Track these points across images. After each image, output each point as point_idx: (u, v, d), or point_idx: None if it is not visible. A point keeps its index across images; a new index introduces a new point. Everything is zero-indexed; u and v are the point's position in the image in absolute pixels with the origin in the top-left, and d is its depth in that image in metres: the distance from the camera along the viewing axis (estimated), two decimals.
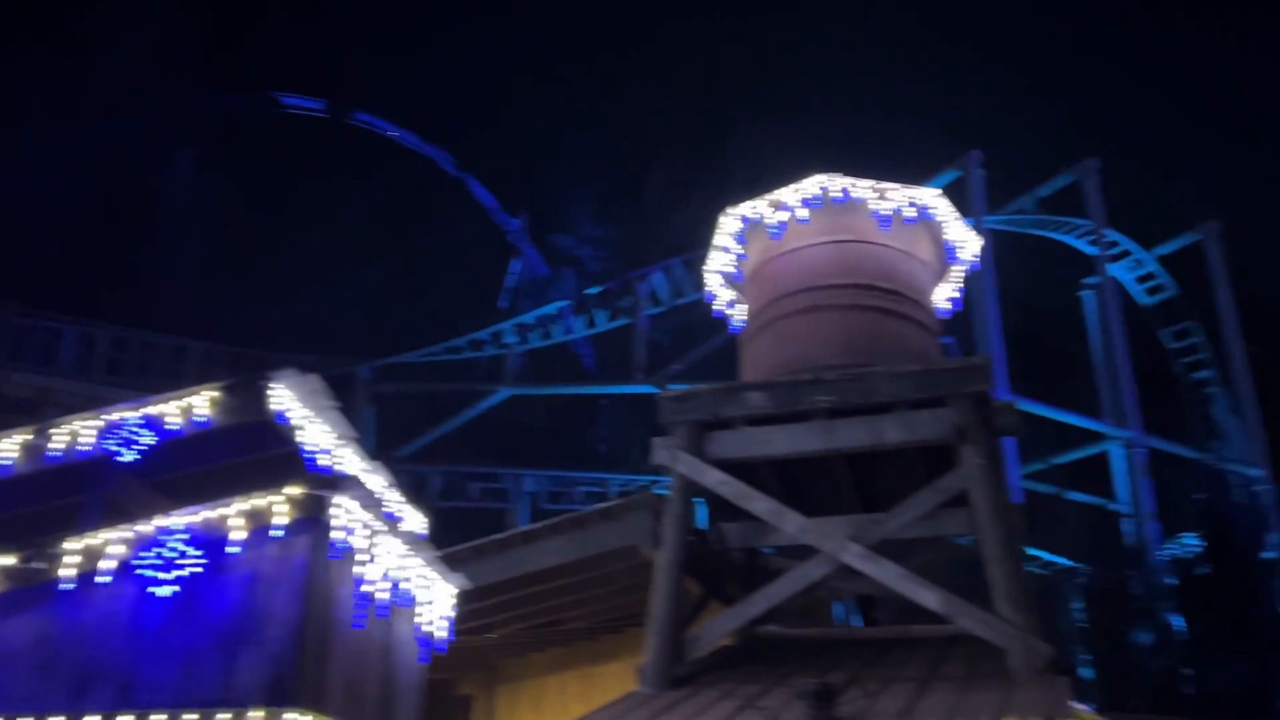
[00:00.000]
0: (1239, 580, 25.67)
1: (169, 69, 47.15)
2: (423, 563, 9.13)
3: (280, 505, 7.66)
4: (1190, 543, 28.28)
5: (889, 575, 10.28)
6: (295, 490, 7.70)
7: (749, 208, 13.25)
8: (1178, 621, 25.73)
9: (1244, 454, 30.54)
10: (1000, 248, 30.96)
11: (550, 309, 35.50)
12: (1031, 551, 26.84)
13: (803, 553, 11.59)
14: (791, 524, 11.00)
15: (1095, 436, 30.05)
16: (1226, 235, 33.43)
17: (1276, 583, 26.51)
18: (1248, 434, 30.96)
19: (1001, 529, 10.11)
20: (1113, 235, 32.62)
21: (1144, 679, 24.88)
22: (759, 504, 11.12)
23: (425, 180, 50.88)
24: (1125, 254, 33.88)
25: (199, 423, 8.76)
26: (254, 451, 9.32)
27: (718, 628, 11.00)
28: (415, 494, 27.65)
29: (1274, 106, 66.51)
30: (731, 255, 13.76)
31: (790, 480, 12.54)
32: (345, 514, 7.83)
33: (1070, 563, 28.23)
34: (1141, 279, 34.60)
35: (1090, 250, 32.40)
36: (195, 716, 7.03)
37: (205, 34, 49.17)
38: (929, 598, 9.97)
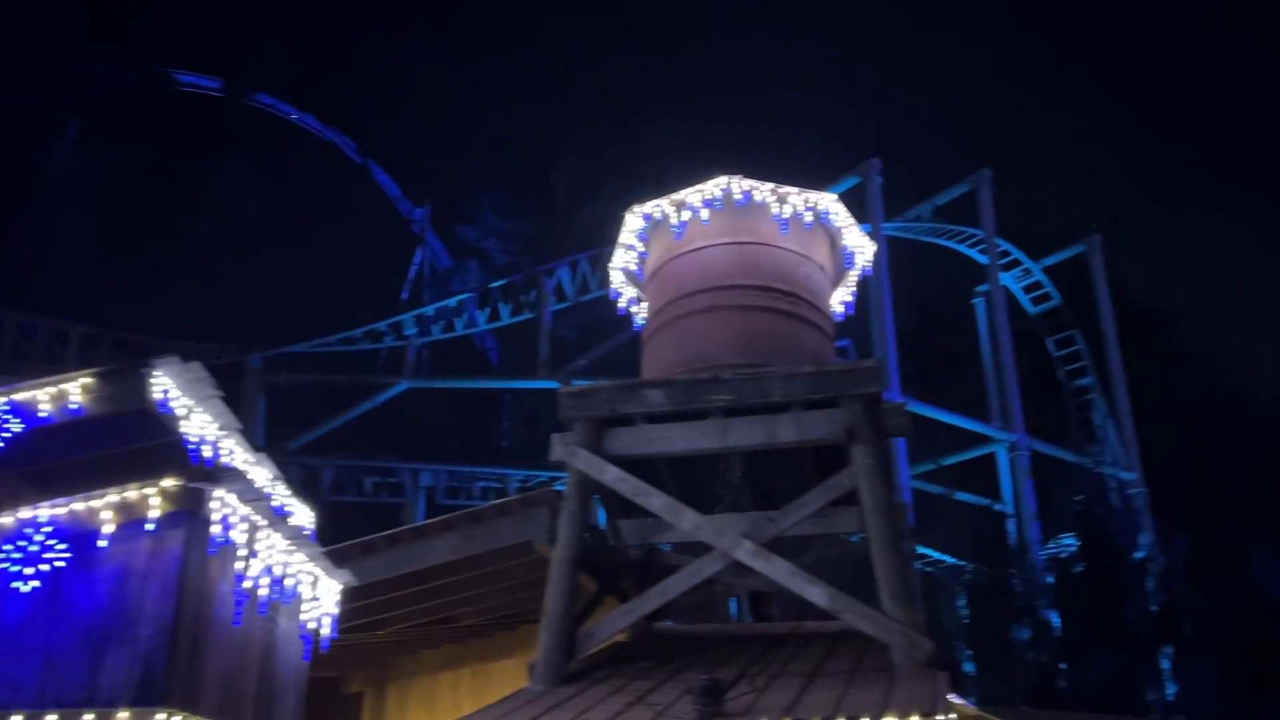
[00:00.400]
0: (1112, 579, 26.92)
1: (55, 39, 44.89)
2: (307, 558, 8.88)
3: (155, 498, 7.35)
4: (1068, 543, 29.58)
5: (779, 572, 10.45)
6: (171, 482, 7.40)
7: (653, 207, 13.29)
8: (1055, 618, 26.86)
9: (1119, 458, 32.07)
10: (898, 254, 31.85)
11: (452, 301, 35.06)
12: (920, 549, 27.68)
13: (698, 549, 11.70)
14: (687, 521, 11.08)
15: (982, 439, 31.15)
16: (1108, 248, 35.04)
17: (1147, 581, 27.90)
18: (1123, 439, 32.52)
19: (888, 527, 10.37)
20: (1003, 245, 33.87)
21: (1022, 673, 25.90)
22: (655, 501, 11.17)
23: (326, 166, 49.64)
24: (1015, 263, 35.21)
25: (72, 410, 8.33)
26: (132, 441, 8.92)
27: (612, 624, 11.01)
28: (306, 488, 27.00)
29: (1157, 126, 69.87)
30: (635, 253, 13.79)
31: (686, 478, 12.65)
32: (225, 507, 7.55)
33: (956, 561, 29.20)
34: (1029, 288, 35.99)
35: (981, 259, 33.55)
36: (55, 717, 6.70)
37: (96, 3, 47.00)
38: (817, 594, 10.16)
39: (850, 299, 14.44)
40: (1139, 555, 27.81)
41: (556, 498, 11.70)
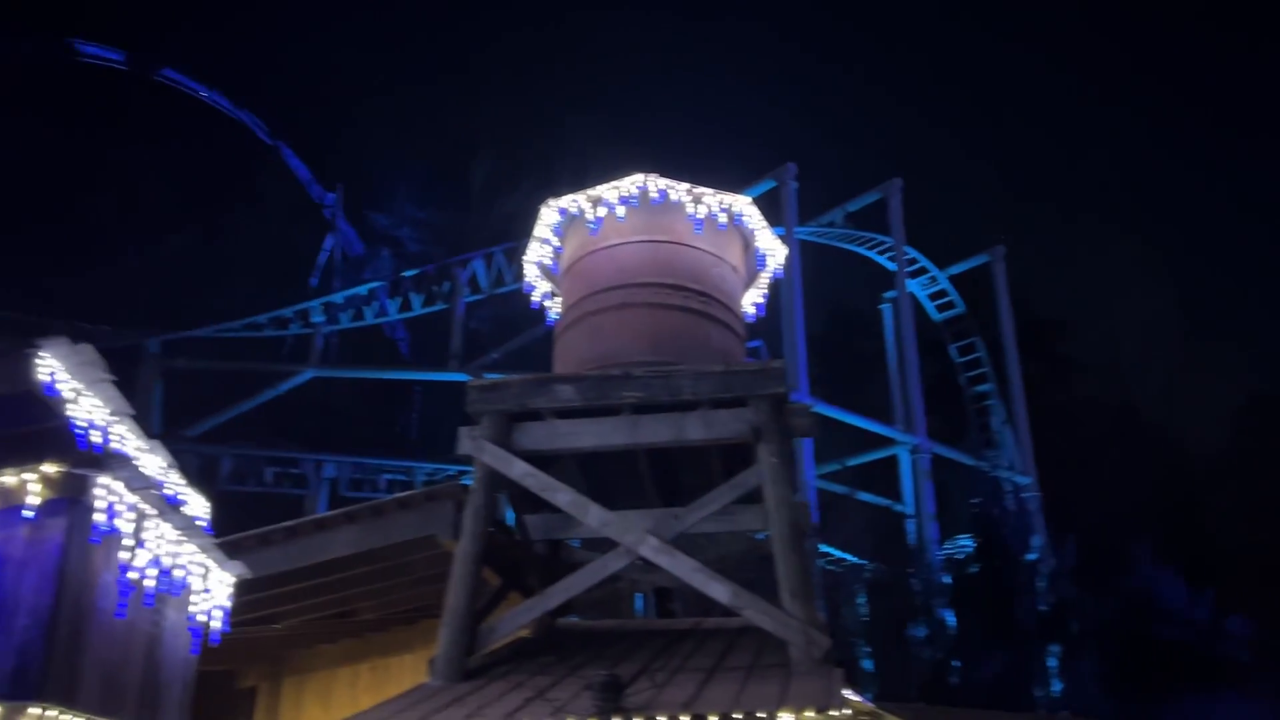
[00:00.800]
0: (1004, 579, 27.84)
1: None
2: (198, 549, 8.61)
3: (34, 483, 7.02)
4: (964, 543, 30.49)
5: (683, 568, 10.53)
6: (52, 468, 7.08)
7: (569, 201, 13.26)
8: (950, 617, 27.67)
9: (1015, 463, 33.19)
10: (810, 258, 32.40)
11: (362, 289, 34.40)
12: (823, 548, 28.22)
13: (605, 546, 11.71)
14: (594, 517, 11.08)
15: (886, 441, 31.89)
16: (1010, 258, 36.20)
17: (1037, 582, 28.93)
18: (1019, 444, 33.66)
19: (790, 525, 10.53)
20: (911, 253, 34.71)
21: (917, 670, 26.62)
22: (562, 496, 11.14)
23: (235, 147, 48.14)
24: (922, 271, 36.11)
25: None
26: (15, 425, 8.50)
27: (514, 620, 10.94)
28: (203, 477, 26.19)
29: (1063, 141, 72.53)
30: (550, 248, 13.74)
31: (595, 474, 12.64)
32: (110, 495, 7.26)
33: (858, 560, 29.85)
34: (934, 295, 36.96)
35: (890, 266, 34.34)
36: None
37: None
38: (719, 591, 10.27)
39: (762, 300, 14.63)
40: (1031, 557, 28.81)
41: (462, 491, 11.58)
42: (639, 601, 19.68)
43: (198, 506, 9.24)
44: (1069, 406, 36.32)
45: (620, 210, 12.84)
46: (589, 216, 13.01)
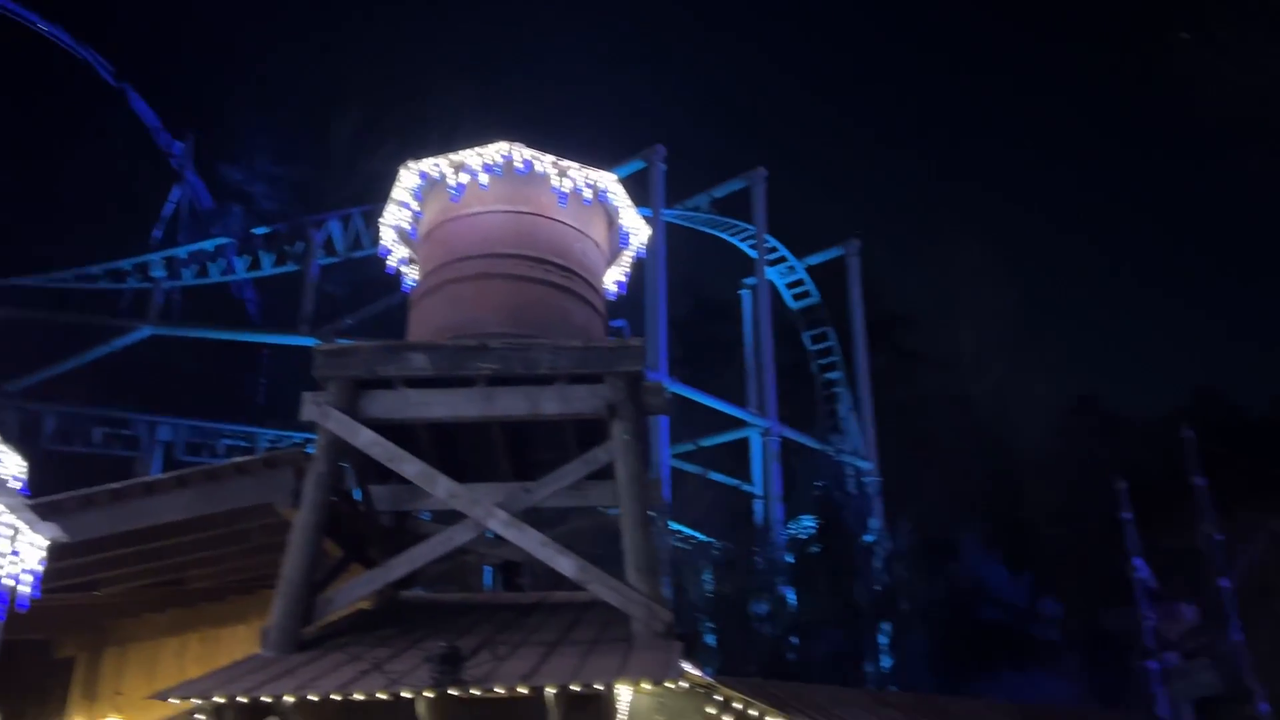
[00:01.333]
0: (843, 559, 29.00)
1: None
2: (6, 509, 8.04)
3: None
4: (807, 524, 31.58)
5: (530, 542, 10.50)
6: None
7: (431, 165, 12.94)
8: (791, 595, 28.64)
9: (859, 448, 34.52)
10: (676, 241, 32.72)
11: (209, 245, 32.74)
12: (674, 526, 28.69)
13: (457, 519, 11.57)
14: (441, 489, 10.92)
15: (738, 423, 32.62)
16: (865, 252, 37.50)
17: (873, 562, 30.26)
18: (863, 432, 35.02)
19: (640, 502, 10.65)
20: (771, 241, 35.50)
21: (758, 646, 27.46)
22: (409, 467, 10.93)
23: (76, 86, 44.86)
24: (781, 260, 36.98)
25: None
26: None
27: (354, 591, 10.69)
28: (24, 435, 24.48)
29: (921, 144, 75.53)
30: (409, 212, 13.39)
31: (447, 446, 12.45)
32: None
33: (707, 538, 30.49)
34: (792, 285, 37.93)
35: (751, 253, 35.05)
36: None
37: None
38: (566, 565, 10.30)
39: (625, 279, 14.68)
40: (868, 539, 30.09)
41: (303, 459, 11.21)
42: (488, 575, 19.56)
43: (11, 465, 8.63)
44: (911, 397, 37.92)
45: (484, 178, 12.63)
46: (451, 182, 12.74)
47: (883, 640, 28.40)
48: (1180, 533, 25.92)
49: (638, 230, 13.93)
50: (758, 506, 31.32)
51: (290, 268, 32.44)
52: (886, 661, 28.40)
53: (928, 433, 35.57)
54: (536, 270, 12.30)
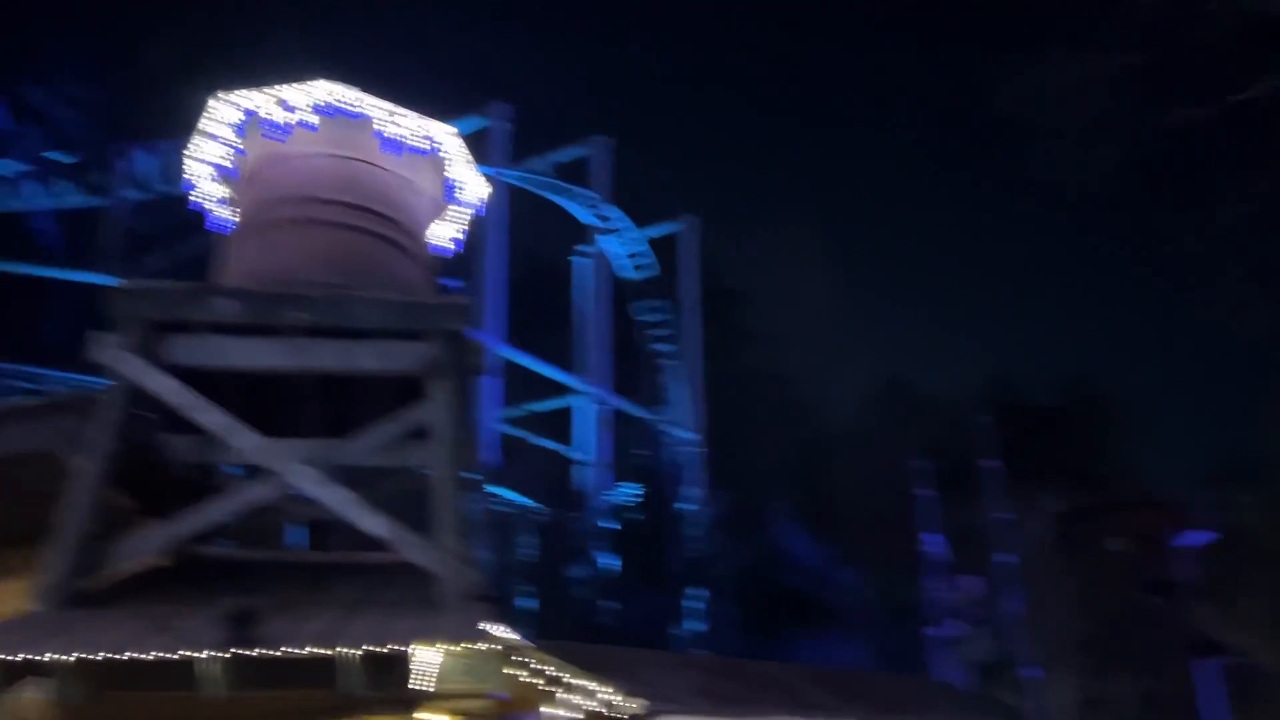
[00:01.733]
0: (661, 526, 29.67)
1: None
2: None
3: None
4: (629, 492, 32.08)
5: (337, 500, 10.18)
6: None
7: (252, 99, 12.22)
8: (611, 560, 29.10)
9: (684, 420, 35.25)
10: (516, 203, 32.27)
11: (4, 170, 29.93)
12: (497, 490, 28.54)
13: (266, 474, 11.05)
14: (245, 442, 10.42)
15: (569, 390, 32.69)
16: (703, 228, 38.15)
17: (692, 530, 31.08)
18: (690, 404, 35.77)
19: (455, 463, 10.49)
20: (611, 211, 35.56)
21: (575, 609, 27.79)
22: (210, 417, 10.37)
23: None
24: (619, 230, 37.12)
25: None
26: None
27: (141, 544, 10.08)
28: None
29: (767, 123, 77.28)
30: (225, 147, 12.62)
31: (257, 398, 11.88)
32: None
33: (530, 502, 30.49)
34: (630, 255, 38.17)
35: (591, 221, 35.03)
36: None
37: None
38: (375, 525, 10.05)
39: (459, 236, 14.35)
40: (687, 508, 30.87)
41: (90, 403, 10.45)
42: (299, 535, 18.88)
43: None
44: (737, 372, 38.98)
45: (309, 118, 12.03)
46: (274, 120, 12.08)
47: (695, 605, 29.27)
48: (970, 510, 27.83)
49: (471, 186, 13.63)
50: (582, 473, 31.54)
51: (95, 201, 30.08)
52: (697, 625, 29.30)
53: (750, 406, 36.68)
54: (360, 219, 11.85)
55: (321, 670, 8.37)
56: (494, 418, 28.16)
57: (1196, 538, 27.47)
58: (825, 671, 19.89)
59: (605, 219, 34.62)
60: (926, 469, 28.16)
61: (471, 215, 14.08)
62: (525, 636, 11.90)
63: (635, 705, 9.75)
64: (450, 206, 13.68)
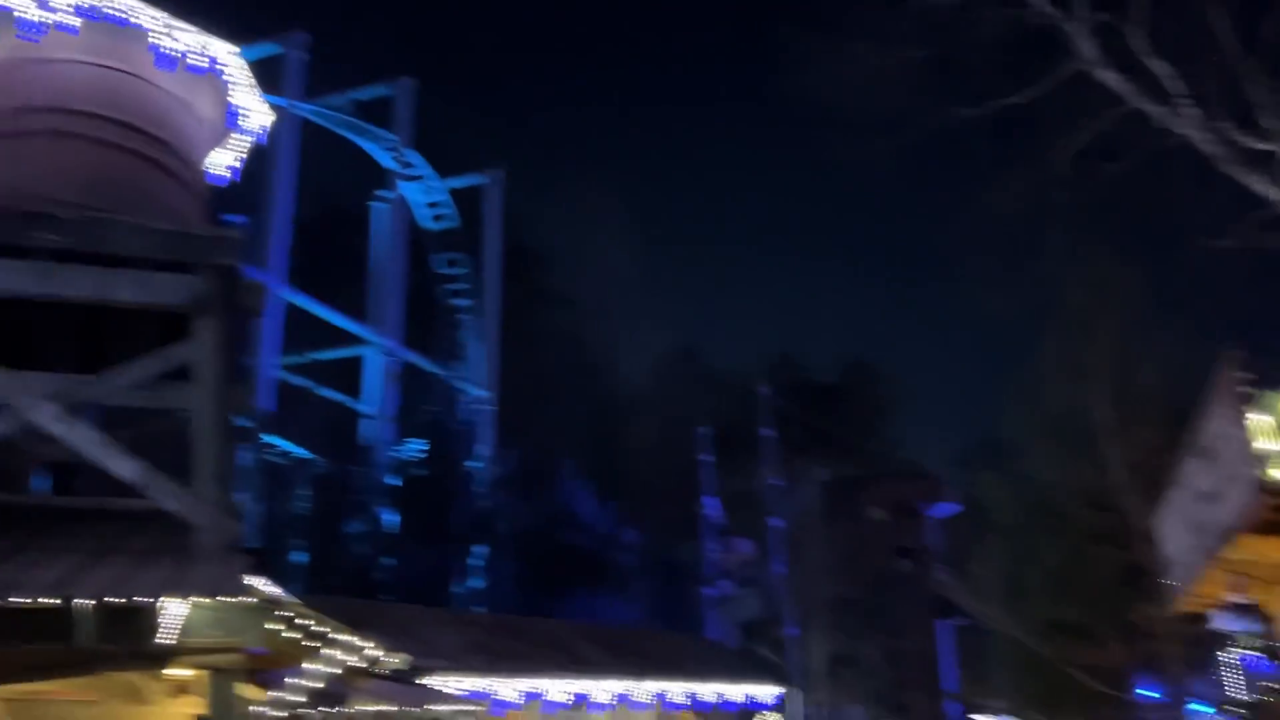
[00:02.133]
0: (446, 484, 29.28)
1: None
2: None
3: None
4: (415, 447, 31.42)
5: (83, 440, 9.36)
6: None
7: None
8: (389, 516, 28.45)
9: (477, 377, 34.83)
10: (309, 139, 30.61)
11: None
12: (273, 439, 27.25)
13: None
14: None
15: (357, 339, 31.55)
16: (508, 183, 37.59)
17: (476, 488, 30.84)
18: (485, 361, 35.36)
19: (220, 407, 9.86)
20: (413, 157, 34.41)
21: (350, 565, 27.03)
22: None
23: None
24: (420, 178, 36.00)
25: None
26: None
27: None
28: None
29: (571, 91, 76.85)
30: None
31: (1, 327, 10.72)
32: None
33: (307, 454, 29.30)
34: (430, 205, 37.12)
35: (391, 165, 33.78)
36: None
37: None
38: (125, 468, 9.32)
39: (237, 166, 13.41)
40: (474, 465, 30.59)
41: None
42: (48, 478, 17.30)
43: None
44: (534, 332, 38.84)
45: (70, 19, 10.86)
46: (27, 16, 10.83)
47: (476, 563, 29.15)
48: (747, 476, 29.10)
49: (256, 114, 12.77)
50: (366, 426, 30.60)
51: None
52: (478, 583, 29.20)
53: (545, 367, 36.70)
54: (124, 137, 10.85)
55: (56, 623, 7.71)
56: (273, 363, 26.81)
57: (945, 509, 29.97)
58: (601, 628, 20.35)
59: (406, 164, 33.47)
60: (709, 436, 29.19)
61: (253, 145, 13.21)
62: (291, 590, 11.45)
63: (399, 660, 9.57)
64: (232, 134, 12.77)
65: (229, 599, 7.91)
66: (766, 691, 19.31)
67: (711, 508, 28.48)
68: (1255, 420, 3.66)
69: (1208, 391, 4.35)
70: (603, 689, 15.37)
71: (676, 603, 29.63)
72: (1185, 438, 5.10)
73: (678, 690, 16.85)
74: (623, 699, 16.01)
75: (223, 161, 13.07)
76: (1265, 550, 4.60)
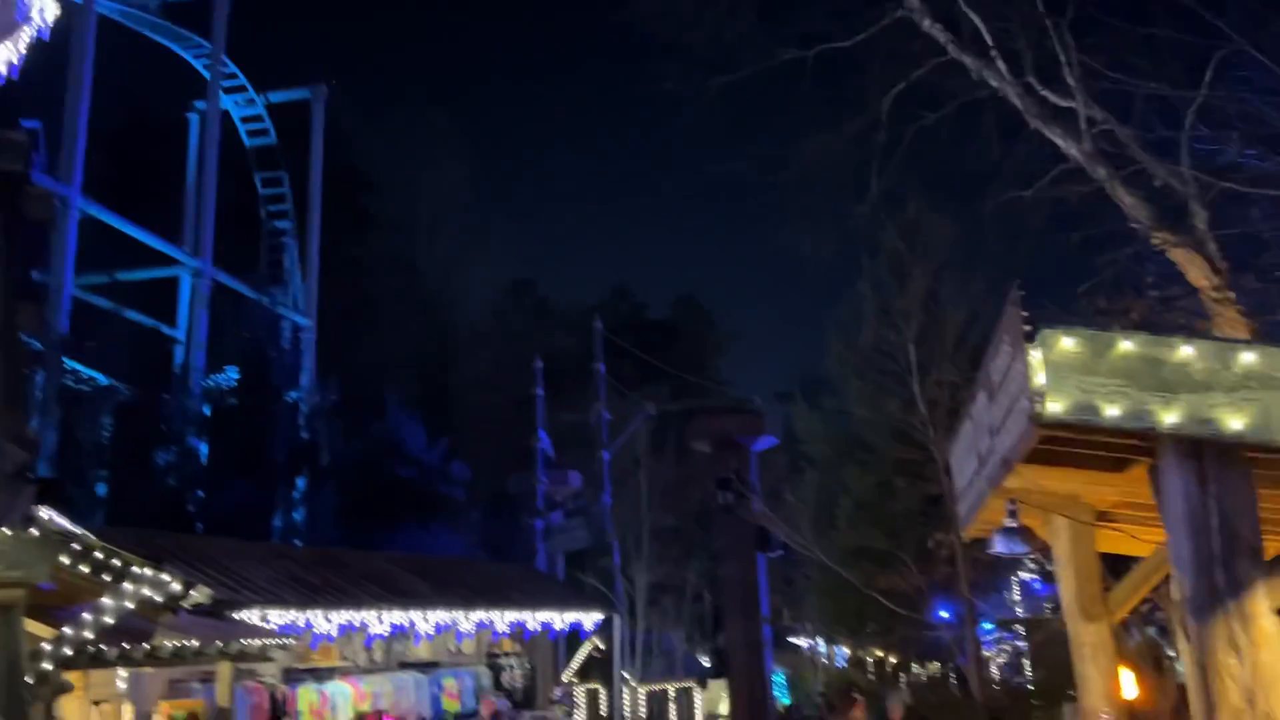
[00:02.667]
0: (263, 413, 28.11)
1: None
2: None
3: None
4: (231, 375, 29.98)
5: None
6: None
7: None
8: (202, 446, 27.12)
9: (299, 303, 33.46)
10: (114, 42, 28.13)
11: None
12: (70, 363, 25.39)
13: None
14: None
15: (167, 260, 29.66)
16: (333, 101, 35.84)
17: (296, 418, 29.76)
18: (306, 286, 33.97)
19: (7, 325, 9.05)
20: (231, 67, 32.27)
21: (158, 497, 25.68)
22: None
23: None
24: (240, 89, 33.86)
25: None
26: None
27: None
28: None
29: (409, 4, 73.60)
30: None
31: None
32: None
33: (110, 379, 27.48)
34: (248, 119, 35.00)
35: (205, 74, 31.59)
36: None
37: None
38: None
39: (15, 62, 12.12)
40: (294, 395, 29.48)
41: None
42: None
43: None
44: (360, 258, 37.47)
45: None
46: None
47: (296, 495, 28.29)
48: (580, 410, 29.32)
49: (42, 5, 11.54)
50: (177, 352, 28.93)
51: None
52: (298, 516, 28.38)
53: (372, 295, 35.61)
54: None
55: None
56: (71, 282, 24.88)
57: (766, 443, 31.14)
58: (425, 560, 20.18)
59: (222, 74, 31.33)
60: (542, 369, 29.16)
61: (39, 41, 11.96)
62: (91, 524, 10.76)
63: (202, 595, 9.17)
64: (12, 26, 11.51)
65: (13, 531, 7.34)
66: (591, 619, 19.73)
67: (544, 441, 28.57)
68: (1033, 356, 3.91)
69: (995, 329, 4.63)
70: (426, 620, 15.27)
71: (507, 535, 29.71)
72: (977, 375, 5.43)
73: (503, 619, 16.96)
74: (446, 629, 15.98)
75: (4, 57, 11.80)
76: (1038, 479, 4.96)
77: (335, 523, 27.71)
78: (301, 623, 12.74)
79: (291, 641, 11.78)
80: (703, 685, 24.41)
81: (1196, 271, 9.54)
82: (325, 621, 13.17)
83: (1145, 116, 10.29)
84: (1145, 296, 9.97)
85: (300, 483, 28.10)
